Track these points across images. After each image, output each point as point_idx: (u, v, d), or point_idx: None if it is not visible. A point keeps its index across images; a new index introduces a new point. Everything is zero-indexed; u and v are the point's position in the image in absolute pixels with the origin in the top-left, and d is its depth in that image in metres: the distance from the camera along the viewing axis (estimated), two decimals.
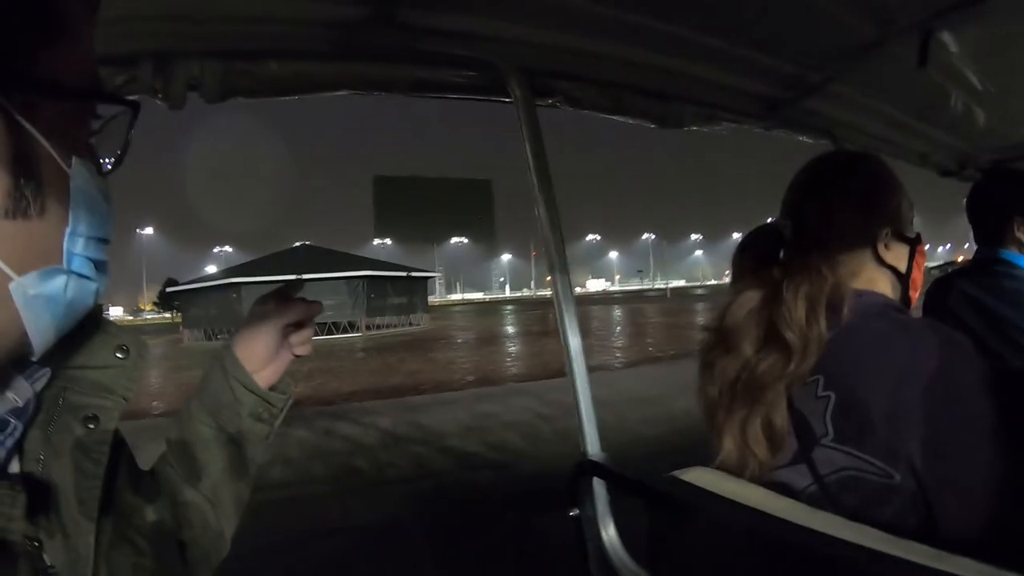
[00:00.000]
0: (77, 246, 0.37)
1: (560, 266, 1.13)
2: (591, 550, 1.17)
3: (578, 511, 1.14)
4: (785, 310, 0.84)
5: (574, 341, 1.10)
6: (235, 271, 26.11)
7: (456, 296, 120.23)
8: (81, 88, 0.38)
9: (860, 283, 0.90)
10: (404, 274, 27.53)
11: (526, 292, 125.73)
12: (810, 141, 1.69)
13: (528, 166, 1.13)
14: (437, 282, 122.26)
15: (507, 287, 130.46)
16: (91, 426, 0.44)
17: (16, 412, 0.40)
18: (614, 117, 1.33)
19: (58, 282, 0.36)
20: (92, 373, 0.45)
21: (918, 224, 0.97)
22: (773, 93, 1.60)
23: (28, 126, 0.34)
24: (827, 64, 1.50)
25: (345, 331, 23.45)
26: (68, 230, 0.37)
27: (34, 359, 0.40)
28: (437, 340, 19.69)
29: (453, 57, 1.15)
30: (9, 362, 0.39)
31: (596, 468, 1.10)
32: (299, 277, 23.09)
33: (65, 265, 0.37)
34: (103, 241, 0.40)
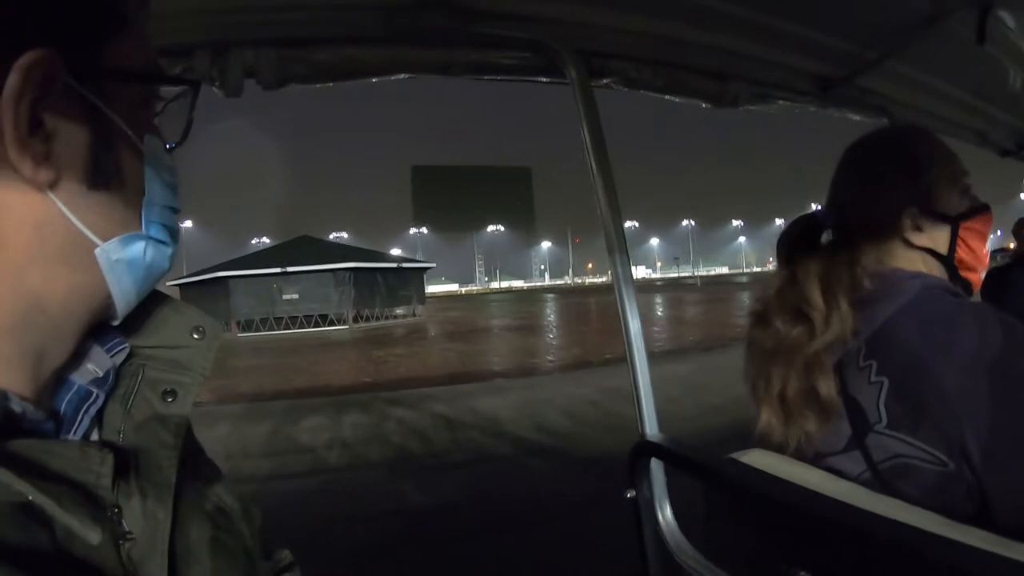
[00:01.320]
0: (153, 214, 0.41)
1: (619, 249, 1.12)
2: (647, 532, 1.17)
3: (635, 493, 1.14)
4: (801, 290, 0.86)
5: (633, 323, 1.10)
6: (225, 266, 25.54)
7: (496, 284, 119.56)
8: (145, 72, 0.41)
9: (900, 264, 0.88)
10: (394, 265, 27.14)
11: (564, 280, 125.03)
12: (866, 120, 1.64)
13: (586, 148, 1.12)
14: (477, 270, 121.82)
15: (546, 275, 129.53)
16: (169, 400, 0.45)
17: (97, 382, 0.42)
18: (668, 97, 1.32)
19: (138, 247, 0.40)
20: (170, 352, 0.46)
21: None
22: (827, 71, 1.56)
23: (104, 107, 0.37)
24: (882, 41, 1.46)
25: (332, 324, 23.16)
26: (145, 200, 0.40)
27: (116, 322, 0.42)
28: (414, 334, 19.02)
29: (508, 39, 1.14)
30: (92, 329, 0.41)
31: (655, 449, 1.10)
32: (283, 270, 23.10)
33: (144, 231, 0.40)
34: (174, 210, 0.43)
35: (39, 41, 0.33)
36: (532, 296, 57.99)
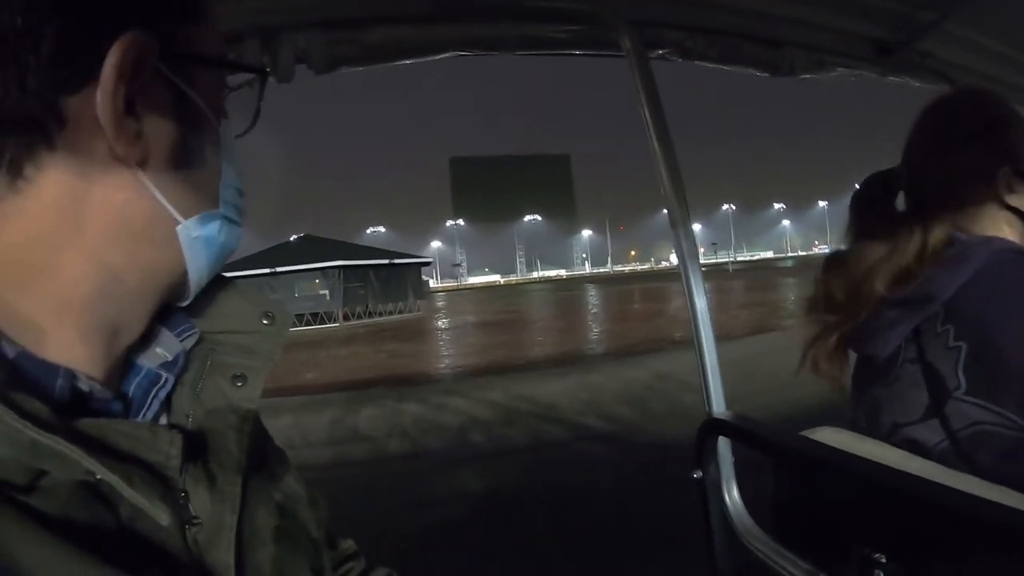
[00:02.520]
0: (228, 194, 0.42)
1: (684, 226, 1.09)
2: (713, 514, 1.15)
3: (701, 473, 1.12)
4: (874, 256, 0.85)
5: (699, 301, 1.08)
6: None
7: (537, 274, 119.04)
8: (221, 58, 0.43)
9: (981, 228, 0.86)
10: (386, 262, 26.83)
11: (603, 269, 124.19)
12: (927, 86, 1.57)
13: (645, 122, 1.09)
14: (517, 260, 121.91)
15: (587, 264, 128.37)
16: (239, 384, 0.45)
17: (166, 366, 0.42)
18: (724, 67, 1.28)
19: (214, 225, 0.41)
20: (239, 338, 0.47)
21: None
22: (885, 35, 1.50)
23: (189, 90, 0.38)
24: (939, 1, 1.39)
25: (323, 321, 23.23)
26: (220, 180, 0.41)
27: (186, 301, 0.43)
28: (385, 332, 18.30)
29: (560, 12, 1.12)
30: (160, 314, 0.42)
31: (723, 426, 1.08)
32: (273, 271, 23.36)
33: (219, 210, 0.41)
34: (240, 192, 0.44)
35: (134, 25, 0.34)
36: (564, 285, 57.50)
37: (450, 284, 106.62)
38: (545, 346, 12.27)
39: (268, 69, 1.17)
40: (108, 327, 0.37)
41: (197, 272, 0.41)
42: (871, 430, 0.90)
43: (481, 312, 26.43)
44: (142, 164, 0.36)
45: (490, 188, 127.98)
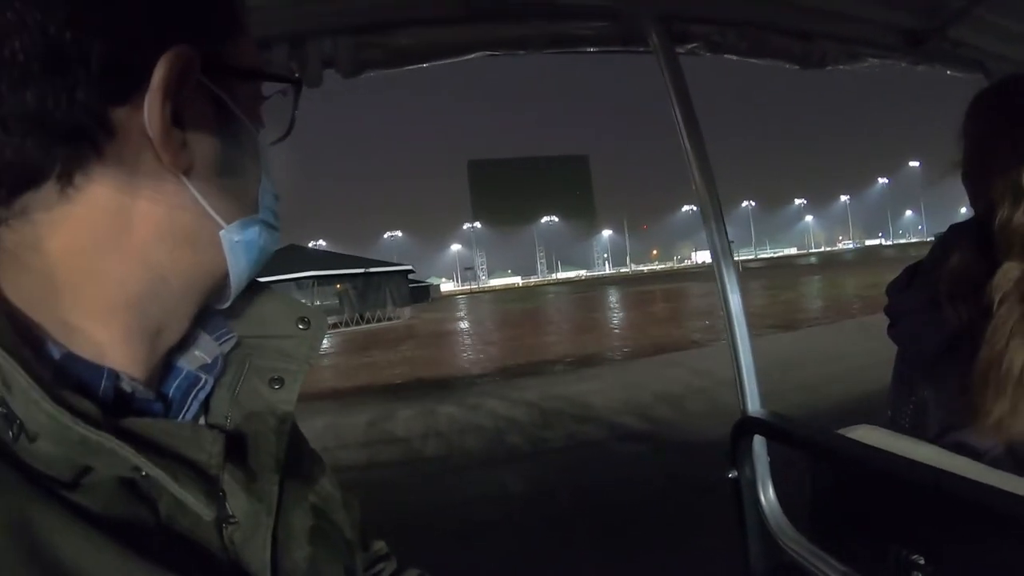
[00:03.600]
0: (266, 200, 0.43)
1: (717, 222, 1.08)
2: (748, 513, 1.13)
3: (736, 472, 1.10)
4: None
5: (733, 298, 1.06)
6: None
7: (557, 275, 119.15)
8: (259, 69, 0.44)
9: None
10: (362, 271, 27.14)
11: (623, 269, 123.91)
12: (960, 75, 1.53)
13: (675, 117, 1.08)
14: (538, 262, 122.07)
15: (607, 264, 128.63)
16: (276, 387, 0.46)
17: (205, 368, 0.43)
18: (753, 60, 1.26)
19: (254, 230, 0.42)
20: (276, 342, 0.48)
21: None
22: (916, 24, 1.46)
23: (229, 101, 0.39)
24: None
25: None
26: (260, 187, 0.43)
27: (226, 304, 0.44)
28: (350, 343, 17.97)
29: (588, 9, 1.12)
30: (199, 318, 0.43)
31: (758, 425, 1.06)
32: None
33: (259, 215, 0.42)
34: (277, 197, 0.45)
35: (178, 40, 0.35)
36: (579, 287, 56.94)
37: (469, 287, 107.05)
38: (497, 360, 11.37)
39: (297, 75, 1.20)
40: (152, 329, 0.38)
41: (237, 275, 0.42)
42: (915, 431, 0.87)
43: (473, 318, 26.30)
44: (187, 172, 0.37)
45: (509, 190, 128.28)
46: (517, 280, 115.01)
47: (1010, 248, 0.74)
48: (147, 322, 0.38)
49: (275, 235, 0.44)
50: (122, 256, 0.36)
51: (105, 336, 0.36)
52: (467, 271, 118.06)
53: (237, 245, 0.41)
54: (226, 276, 0.41)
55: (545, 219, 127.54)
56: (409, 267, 34.34)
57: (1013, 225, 0.74)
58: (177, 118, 0.36)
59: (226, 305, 0.44)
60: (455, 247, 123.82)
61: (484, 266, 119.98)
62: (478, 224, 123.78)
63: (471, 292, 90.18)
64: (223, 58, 0.39)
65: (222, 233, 0.40)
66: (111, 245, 0.35)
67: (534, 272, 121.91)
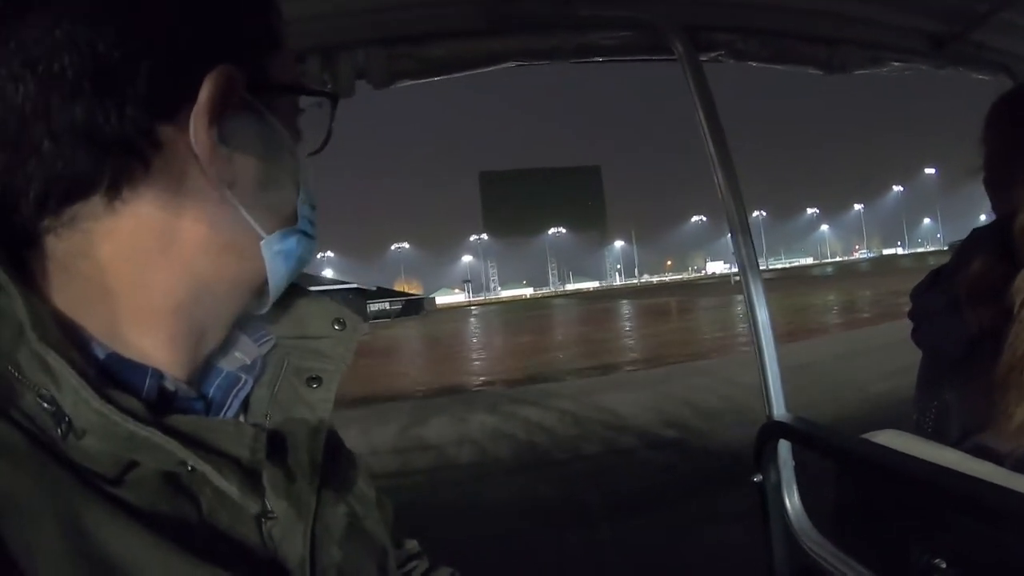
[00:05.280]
0: (304, 210, 0.44)
1: (743, 232, 1.09)
2: (773, 518, 1.14)
3: (761, 477, 1.11)
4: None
5: (759, 305, 1.08)
6: None
7: (572, 286, 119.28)
8: (297, 83, 0.45)
9: None
10: (316, 288, 26.96)
11: (643, 279, 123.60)
12: (984, 78, 1.52)
13: (700, 127, 1.10)
14: (549, 273, 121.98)
15: (618, 275, 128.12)
16: (314, 386, 0.47)
17: (245, 369, 0.45)
18: (777, 66, 1.27)
19: (293, 240, 0.43)
20: (313, 343, 0.49)
21: None
22: (940, 28, 1.46)
23: (270, 116, 0.41)
24: None
25: None
26: (299, 198, 0.43)
27: (264, 309, 0.45)
28: None
29: (613, 19, 1.14)
30: (240, 320, 0.44)
31: (783, 430, 1.07)
32: None
33: (297, 225, 0.43)
34: (314, 207, 0.46)
35: (222, 58, 0.37)
36: (586, 298, 56.50)
37: (481, 298, 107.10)
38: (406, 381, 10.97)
39: (330, 87, 1.23)
40: (196, 332, 0.40)
41: (276, 282, 0.43)
42: (939, 435, 0.87)
43: (429, 334, 25.47)
44: (231, 186, 0.38)
45: (521, 201, 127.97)
46: (526, 292, 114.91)
47: None
48: (191, 327, 0.40)
49: (312, 244, 0.45)
50: (168, 265, 0.37)
51: (149, 340, 0.38)
52: (465, 283, 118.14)
53: (277, 255, 0.42)
54: (265, 283, 0.43)
55: (558, 230, 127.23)
56: (358, 285, 34.10)
57: None
58: (221, 134, 0.37)
59: (264, 311, 0.46)
60: (466, 258, 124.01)
61: (496, 277, 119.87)
62: (485, 236, 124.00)
63: (469, 304, 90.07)
64: (264, 74, 0.40)
65: (263, 243, 0.41)
66: (157, 255, 0.37)
67: (546, 283, 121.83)
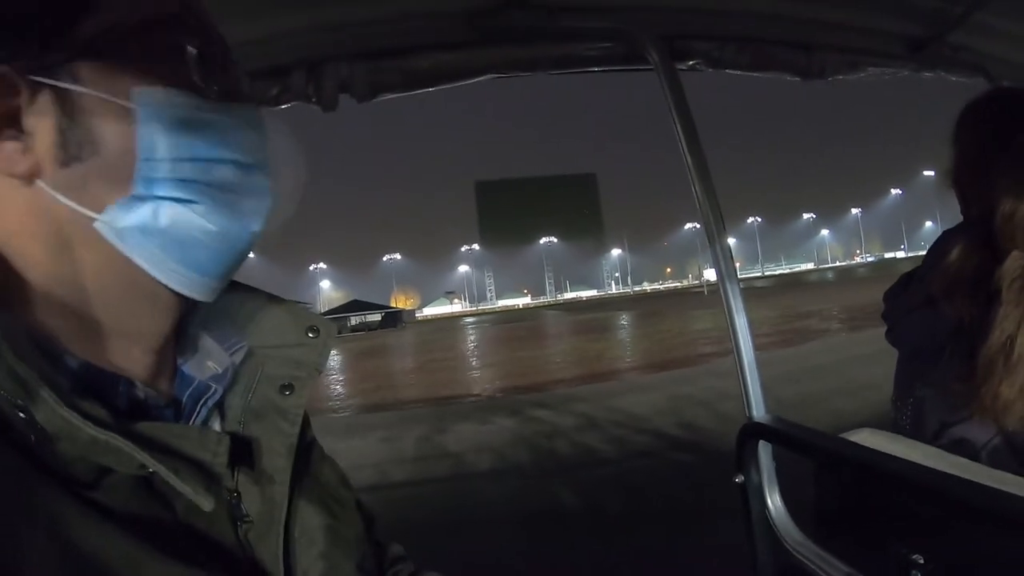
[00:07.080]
0: (161, 170, 0.37)
1: (720, 239, 1.11)
2: (755, 518, 1.15)
3: (743, 477, 1.13)
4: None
5: (737, 308, 1.09)
6: None
7: (569, 295, 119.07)
8: (125, 37, 0.38)
9: None
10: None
11: (637, 288, 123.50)
12: (963, 80, 1.54)
13: (677, 135, 1.11)
14: (546, 282, 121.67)
15: (613, 284, 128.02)
16: (287, 393, 0.48)
17: (216, 378, 0.45)
18: (755, 74, 1.29)
19: (143, 210, 0.37)
20: (287, 351, 0.49)
21: None
22: (917, 31, 1.48)
23: (72, 85, 0.35)
24: None
25: None
26: (141, 159, 0.37)
27: (208, 299, 0.42)
28: None
29: (590, 30, 1.15)
30: (210, 329, 0.45)
31: (763, 430, 1.08)
32: None
33: (143, 191, 0.37)
34: (217, 161, 0.39)
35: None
36: (568, 308, 55.85)
37: (477, 308, 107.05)
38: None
39: (313, 99, 1.24)
40: (139, 341, 0.41)
41: (157, 266, 0.38)
42: (916, 431, 0.88)
43: (384, 349, 24.81)
44: (38, 174, 0.35)
45: (517, 210, 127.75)
46: (519, 302, 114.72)
47: (1016, 238, 0.77)
48: (130, 337, 0.40)
49: (195, 208, 0.38)
50: (53, 274, 0.37)
51: (112, 350, 0.39)
52: (448, 294, 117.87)
53: (126, 232, 0.37)
54: (151, 273, 0.39)
55: (553, 239, 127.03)
56: (308, 303, 34.69)
57: (1019, 216, 0.76)
58: (13, 127, 0.35)
59: (208, 300, 0.43)
60: (463, 268, 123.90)
61: (492, 287, 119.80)
62: (476, 246, 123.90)
63: (452, 316, 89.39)
64: (67, 44, 0.36)
65: (97, 224, 0.36)
66: (48, 265, 0.36)
67: (543, 292, 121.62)
